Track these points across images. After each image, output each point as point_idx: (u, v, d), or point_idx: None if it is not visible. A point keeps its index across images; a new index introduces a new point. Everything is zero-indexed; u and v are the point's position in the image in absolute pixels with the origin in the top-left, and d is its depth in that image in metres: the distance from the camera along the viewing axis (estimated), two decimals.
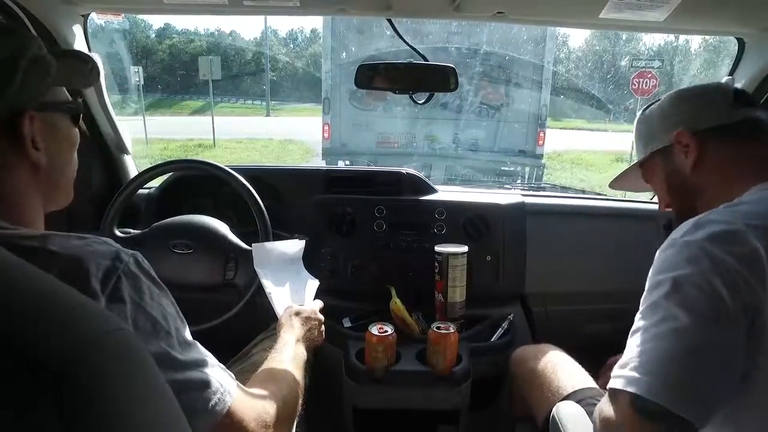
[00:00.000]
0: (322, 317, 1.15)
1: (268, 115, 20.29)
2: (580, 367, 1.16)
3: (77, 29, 1.26)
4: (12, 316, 0.39)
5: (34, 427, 0.36)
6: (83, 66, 0.71)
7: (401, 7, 1.17)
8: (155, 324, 0.58)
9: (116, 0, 1.22)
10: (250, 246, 1.27)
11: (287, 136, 13.17)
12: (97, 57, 0.80)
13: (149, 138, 10.91)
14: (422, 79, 1.31)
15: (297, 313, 1.09)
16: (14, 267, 0.43)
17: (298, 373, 0.93)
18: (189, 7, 1.18)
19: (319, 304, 1.19)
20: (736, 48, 1.35)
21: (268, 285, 1.18)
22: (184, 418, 0.52)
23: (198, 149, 11.01)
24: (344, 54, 6.23)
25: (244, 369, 1.09)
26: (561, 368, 1.15)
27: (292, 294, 1.22)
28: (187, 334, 0.63)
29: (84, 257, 0.54)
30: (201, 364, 0.63)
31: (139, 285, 0.58)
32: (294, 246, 1.31)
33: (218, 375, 0.65)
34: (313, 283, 1.28)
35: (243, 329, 1.38)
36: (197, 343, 0.65)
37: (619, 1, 1.05)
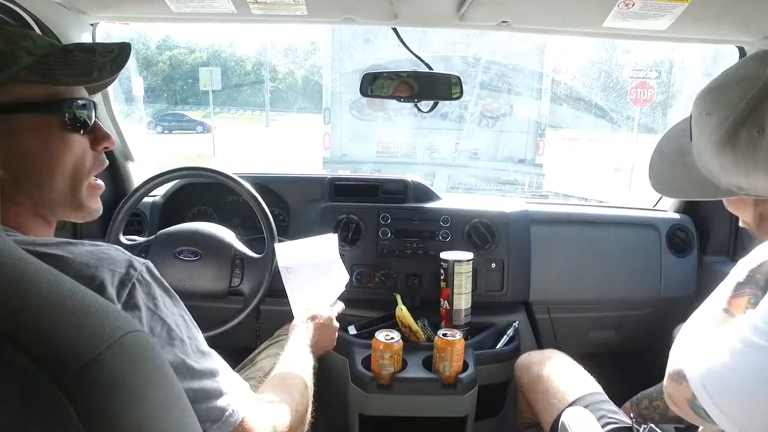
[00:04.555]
0: (337, 325, 1.14)
1: (267, 125, 20.37)
2: (585, 372, 1.17)
3: (86, 38, 1.27)
4: (29, 316, 0.39)
5: (50, 425, 0.37)
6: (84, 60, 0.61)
7: (407, 16, 1.19)
8: (170, 331, 0.58)
9: (126, 9, 1.23)
10: (257, 254, 1.27)
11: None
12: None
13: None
14: (427, 88, 1.33)
15: (312, 318, 1.08)
16: (31, 268, 0.43)
17: (309, 381, 0.92)
18: (198, 16, 1.19)
19: (338, 309, 1.19)
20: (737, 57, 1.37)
21: (290, 284, 1.16)
22: (198, 424, 0.52)
23: (198, 159, 11.05)
24: (347, 63, 6.27)
25: (249, 376, 1.09)
26: (566, 374, 1.15)
27: (318, 292, 1.19)
28: (202, 343, 0.64)
29: (99, 264, 0.54)
30: (216, 373, 0.63)
31: (153, 293, 0.58)
32: (325, 242, 1.27)
33: (233, 384, 0.65)
34: (341, 284, 1.25)
35: (248, 336, 1.38)
36: (213, 351, 0.65)
37: (623, 9, 1.07)
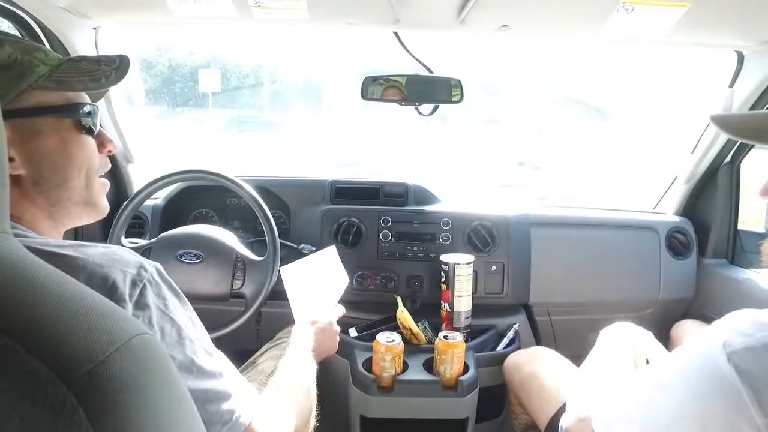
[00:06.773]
0: (338, 329, 1.14)
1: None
2: (574, 366, 1.17)
3: (89, 42, 1.28)
4: (39, 319, 0.40)
5: (60, 427, 0.37)
6: (90, 69, 0.66)
7: (408, 20, 1.20)
8: (180, 331, 0.59)
9: (128, 13, 1.23)
10: (259, 257, 1.27)
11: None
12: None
13: None
14: (427, 91, 1.33)
15: (313, 322, 1.09)
16: (41, 270, 0.43)
17: (313, 384, 0.93)
18: (200, 20, 1.20)
19: (339, 312, 1.19)
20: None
21: (291, 288, 1.15)
22: (203, 427, 0.52)
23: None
24: (347, 65, 6.27)
25: (250, 378, 1.09)
26: (557, 371, 1.16)
27: (319, 295, 1.20)
28: (210, 344, 0.64)
29: (111, 265, 0.56)
30: (224, 374, 0.64)
31: (163, 294, 0.59)
32: (326, 255, 1.29)
33: (240, 387, 0.66)
34: (341, 287, 1.27)
35: (249, 339, 1.38)
36: (220, 352, 0.66)
37: (622, 15, 1.07)
